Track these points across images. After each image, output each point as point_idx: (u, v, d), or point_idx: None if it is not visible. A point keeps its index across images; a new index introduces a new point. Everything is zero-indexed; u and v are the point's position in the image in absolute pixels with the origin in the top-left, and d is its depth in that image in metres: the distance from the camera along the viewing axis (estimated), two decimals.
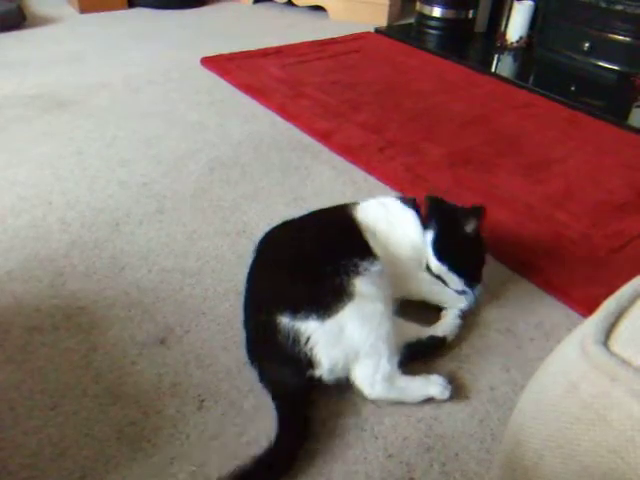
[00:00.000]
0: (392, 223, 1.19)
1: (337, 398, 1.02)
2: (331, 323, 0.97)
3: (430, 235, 1.17)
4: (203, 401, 1.01)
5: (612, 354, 0.40)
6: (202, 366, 1.07)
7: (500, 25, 2.87)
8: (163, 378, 1.05)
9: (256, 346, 1.06)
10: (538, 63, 2.74)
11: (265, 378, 1.02)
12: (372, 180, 1.68)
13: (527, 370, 1.10)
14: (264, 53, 2.58)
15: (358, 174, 1.72)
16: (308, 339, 0.97)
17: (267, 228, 1.24)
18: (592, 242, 1.45)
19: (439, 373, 1.06)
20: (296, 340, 0.97)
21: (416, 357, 1.04)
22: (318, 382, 0.99)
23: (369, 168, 1.73)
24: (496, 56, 2.79)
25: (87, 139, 1.84)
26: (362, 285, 1.02)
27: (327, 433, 0.97)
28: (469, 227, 1.15)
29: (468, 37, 3.01)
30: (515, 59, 2.77)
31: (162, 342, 1.12)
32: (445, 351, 1.12)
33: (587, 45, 2.52)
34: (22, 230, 1.41)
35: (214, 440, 0.95)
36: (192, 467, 0.90)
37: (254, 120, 2.01)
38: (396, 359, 1.00)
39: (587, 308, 1.23)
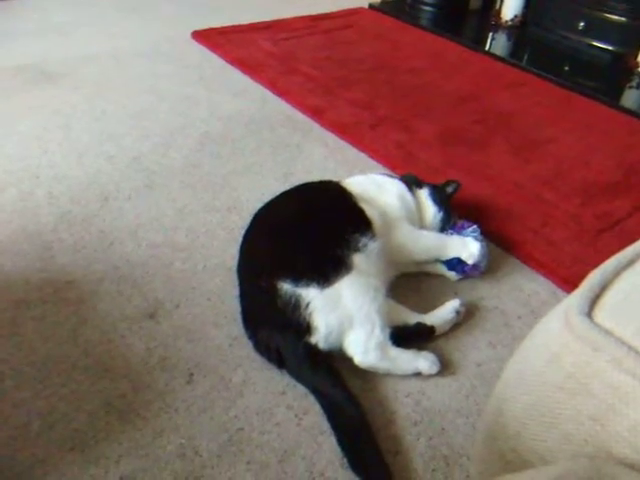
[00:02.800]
0: (378, 186, 1.29)
1: None
2: (329, 292, 1.01)
3: (426, 191, 1.32)
4: (192, 375, 1.01)
5: (595, 325, 0.41)
6: (192, 340, 1.08)
7: (495, 3, 2.84)
8: (152, 352, 1.05)
9: (253, 313, 1.08)
10: (532, 42, 2.72)
11: (261, 346, 1.04)
12: (363, 157, 1.68)
13: (514, 347, 1.10)
14: (256, 28, 2.54)
15: (350, 151, 1.71)
16: (308, 304, 1.00)
17: (257, 204, 1.24)
18: (581, 222, 1.46)
19: (427, 349, 1.07)
20: (297, 305, 1.00)
21: (401, 342, 1.05)
22: (314, 349, 1.00)
23: (361, 145, 1.72)
24: (490, 34, 2.77)
25: (75, 112, 1.81)
26: (360, 261, 1.07)
27: (316, 408, 0.98)
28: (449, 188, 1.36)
29: (462, 14, 2.97)
30: (509, 37, 2.75)
31: (151, 316, 1.12)
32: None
33: (582, 24, 2.50)
34: (9, 204, 1.39)
35: (203, 413, 0.95)
36: (181, 440, 0.91)
37: (245, 95, 1.99)
38: (388, 331, 1.02)
39: (574, 286, 1.23)
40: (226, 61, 2.22)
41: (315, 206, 1.19)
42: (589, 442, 0.38)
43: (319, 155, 1.68)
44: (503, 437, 0.45)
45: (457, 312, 1.14)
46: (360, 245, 1.09)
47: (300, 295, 1.00)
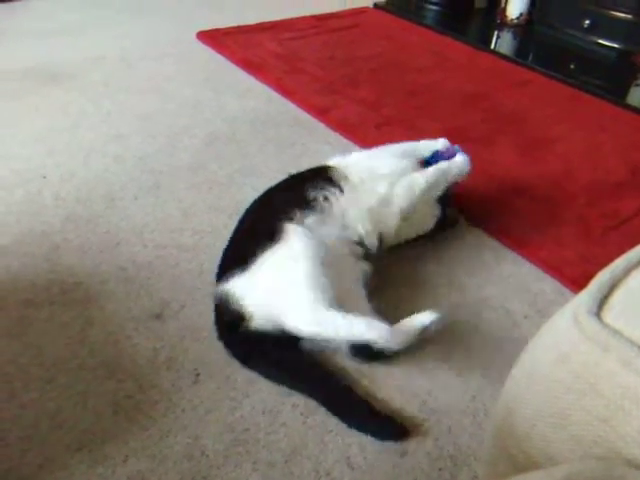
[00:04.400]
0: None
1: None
2: (249, 273, 1.05)
3: None
4: (198, 375, 1.02)
5: (604, 325, 0.40)
6: (198, 340, 1.08)
7: (500, 1, 2.83)
8: (159, 352, 1.05)
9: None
10: (538, 40, 2.70)
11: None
12: None
13: (520, 347, 1.10)
14: (261, 28, 2.55)
15: (354, 151, 1.70)
16: (234, 295, 1.05)
17: None
18: (588, 221, 1.45)
19: (433, 343, 1.07)
20: (228, 301, 1.05)
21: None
22: (260, 335, 1.02)
23: (366, 144, 1.71)
24: (496, 33, 2.76)
25: (82, 113, 1.81)
26: (291, 231, 1.09)
27: (322, 410, 0.97)
28: None
29: (468, 13, 2.97)
30: (515, 36, 2.74)
31: (158, 317, 1.12)
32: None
33: (587, 22, 2.48)
34: (16, 205, 1.40)
35: (209, 413, 0.95)
36: (187, 439, 0.91)
37: (250, 95, 1.99)
38: (325, 295, 1.00)
39: (581, 286, 1.22)
40: (231, 61, 2.22)
41: (272, 194, 1.29)
42: (598, 443, 0.38)
43: (324, 154, 1.67)
44: (512, 438, 0.44)
45: (420, 332, 1.04)
46: (294, 216, 1.13)
47: (227, 291, 1.06)
